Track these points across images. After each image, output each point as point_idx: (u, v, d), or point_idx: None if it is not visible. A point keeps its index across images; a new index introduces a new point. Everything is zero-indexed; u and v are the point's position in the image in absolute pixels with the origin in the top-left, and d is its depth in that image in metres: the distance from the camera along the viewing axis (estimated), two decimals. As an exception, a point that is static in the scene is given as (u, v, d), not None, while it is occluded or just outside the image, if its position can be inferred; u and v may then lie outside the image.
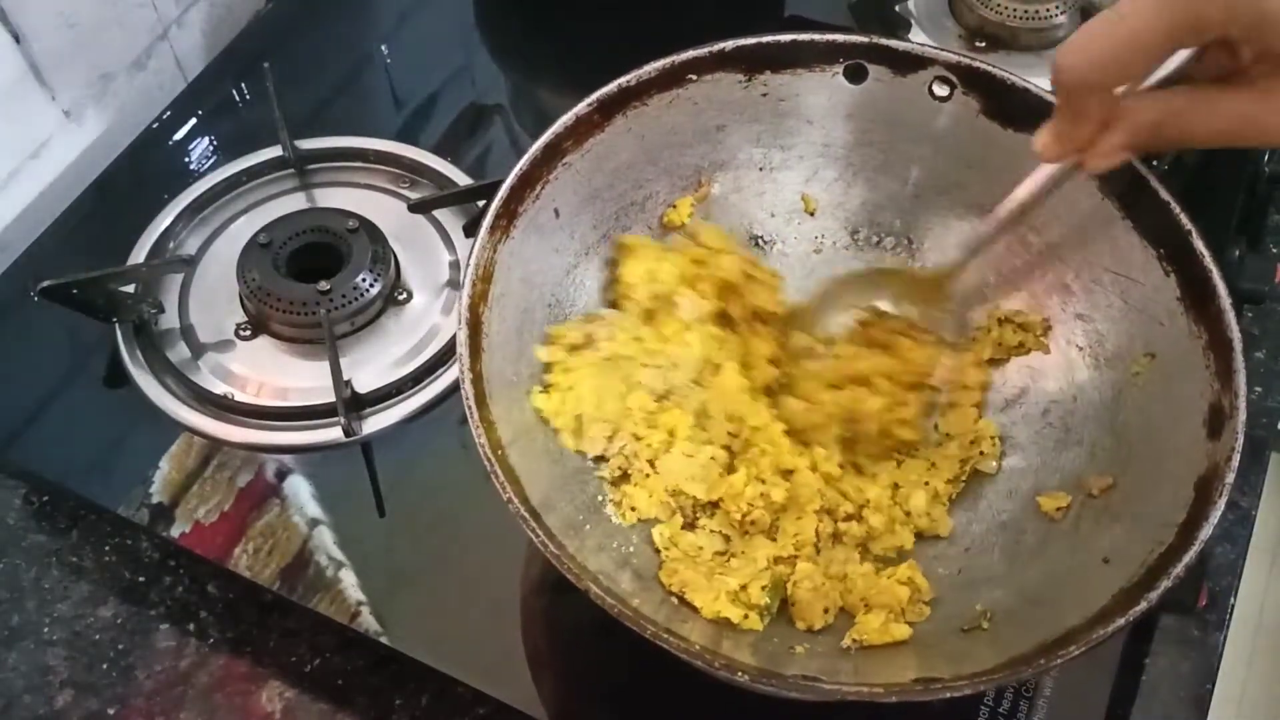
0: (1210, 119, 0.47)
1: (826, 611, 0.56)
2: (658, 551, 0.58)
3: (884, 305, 0.62)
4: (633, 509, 0.59)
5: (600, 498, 0.60)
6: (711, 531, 0.60)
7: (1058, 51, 0.47)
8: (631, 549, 0.58)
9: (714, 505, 0.60)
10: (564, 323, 0.62)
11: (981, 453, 0.62)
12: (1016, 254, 0.64)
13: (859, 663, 0.54)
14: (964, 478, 0.62)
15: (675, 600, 0.56)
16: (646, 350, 0.62)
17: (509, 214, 0.59)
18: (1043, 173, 0.54)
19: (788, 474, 0.60)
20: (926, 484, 0.61)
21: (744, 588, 0.56)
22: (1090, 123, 0.49)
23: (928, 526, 0.60)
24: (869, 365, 0.61)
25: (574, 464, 0.60)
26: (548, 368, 0.61)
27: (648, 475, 0.60)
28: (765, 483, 0.59)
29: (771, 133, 0.66)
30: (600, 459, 0.60)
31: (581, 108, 0.61)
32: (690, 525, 0.60)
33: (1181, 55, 0.48)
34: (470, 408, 0.52)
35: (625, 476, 0.60)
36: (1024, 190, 0.55)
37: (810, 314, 0.64)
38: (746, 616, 0.55)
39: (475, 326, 0.55)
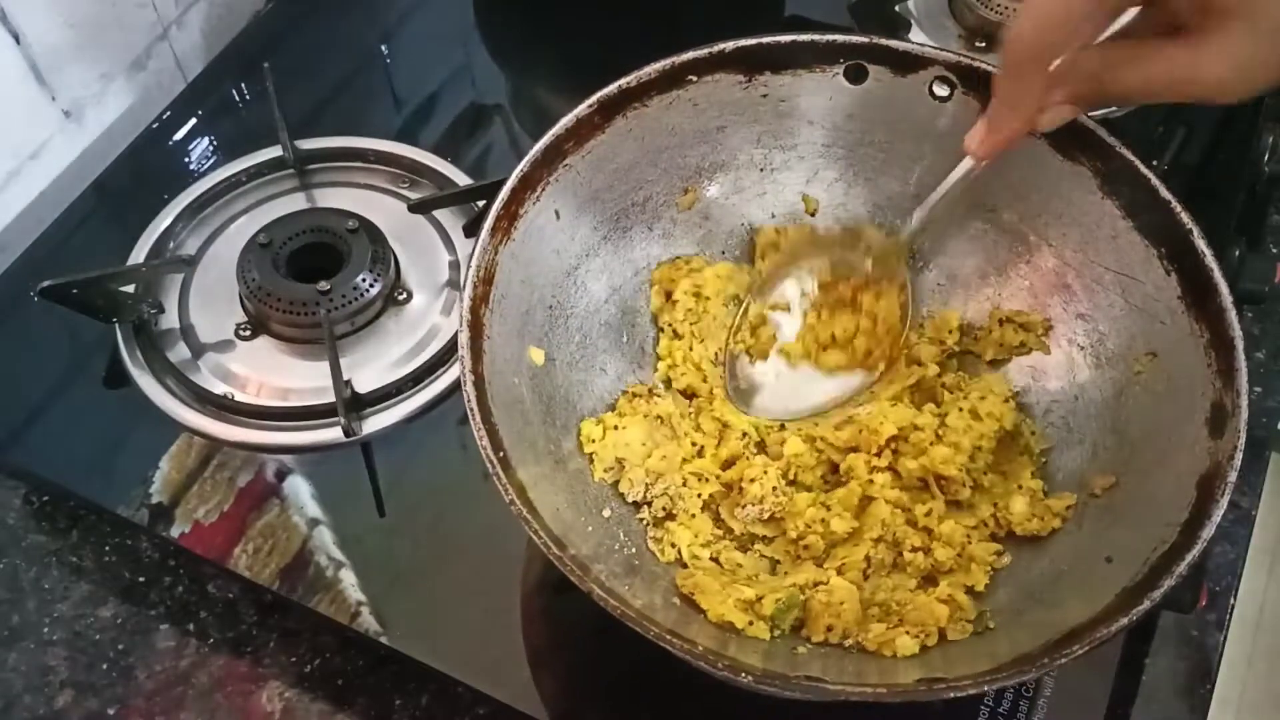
0: (1146, 69, 0.48)
1: (830, 630, 0.55)
2: (678, 559, 0.59)
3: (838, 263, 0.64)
4: (673, 545, 0.59)
5: (602, 498, 0.59)
6: (761, 556, 0.60)
7: (1008, 28, 0.49)
8: (633, 550, 0.58)
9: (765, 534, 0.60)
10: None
11: (1032, 433, 0.62)
12: (1018, 254, 0.64)
13: (862, 663, 0.54)
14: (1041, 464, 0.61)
15: (679, 601, 0.55)
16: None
17: (510, 216, 0.59)
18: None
19: (864, 503, 0.60)
20: (1020, 487, 0.59)
21: (760, 599, 0.55)
22: (1034, 92, 0.51)
23: (1039, 528, 0.58)
24: (839, 326, 0.63)
25: (576, 465, 0.60)
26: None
27: (694, 516, 0.60)
28: (830, 509, 0.59)
29: (772, 133, 0.66)
30: (640, 505, 0.60)
31: (582, 109, 0.61)
32: (743, 548, 0.60)
33: (1128, 15, 0.49)
34: (472, 410, 0.52)
35: (670, 516, 0.60)
36: (959, 172, 0.57)
37: (765, 283, 0.66)
38: (752, 624, 0.55)
39: (477, 329, 0.55)
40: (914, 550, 0.58)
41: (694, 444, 0.62)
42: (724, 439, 0.63)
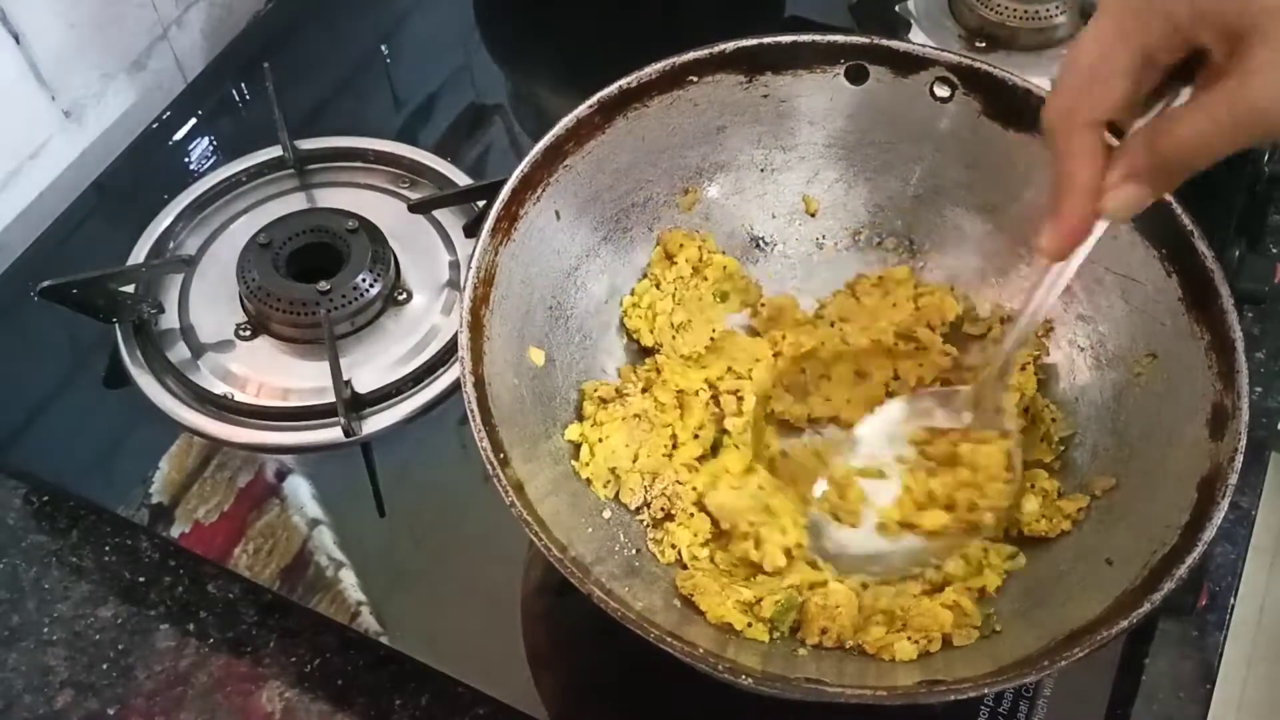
0: (1198, 119, 0.44)
1: (825, 633, 0.55)
2: (678, 559, 0.59)
3: (933, 421, 0.58)
4: (673, 546, 0.59)
5: (602, 500, 0.60)
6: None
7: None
8: (634, 551, 0.58)
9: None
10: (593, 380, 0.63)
11: (1053, 419, 0.62)
12: (1018, 255, 0.64)
13: (863, 665, 0.54)
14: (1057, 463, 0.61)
15: (679, 603, 0.55)
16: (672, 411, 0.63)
17: (510, 216, 0.59)
18: (1064, 270, 0.50)
19: None
20: (1033, 486, 0.59)
21: (759, 601, 0.55)
22: (1086, 162, 0.46)
23: (1047, 529, 0.58)
24: (939, 485, 0.57)
25: (575, 464, 0.60)
26: (580, 417, 0.61)
27: (692, 515, 0.59)
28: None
29: (772, 134, 0.66)
30: (640, 508, 0.60)
31: (582, 110, 0.61)
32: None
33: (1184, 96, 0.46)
34: (472, 411, 0.52)
35: (669, 517, 0.60)
36: (1054, 276, 0.51)
37: (848, 445, 0.60)
38: (751, 625, 0.55)
39: (477, 329, 0.55)
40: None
41: (671, 433, 0.62)
42: (685, 407, 0.62)
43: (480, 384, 0.53)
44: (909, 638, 0.54)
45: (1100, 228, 0.47)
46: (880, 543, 0.57)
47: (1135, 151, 0.46)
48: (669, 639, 0.47)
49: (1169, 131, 0.44)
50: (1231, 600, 0.64)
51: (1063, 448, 0.61)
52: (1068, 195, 0.47)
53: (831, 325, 0.66)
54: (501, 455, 0.52)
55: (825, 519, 0.58)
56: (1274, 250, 0.79)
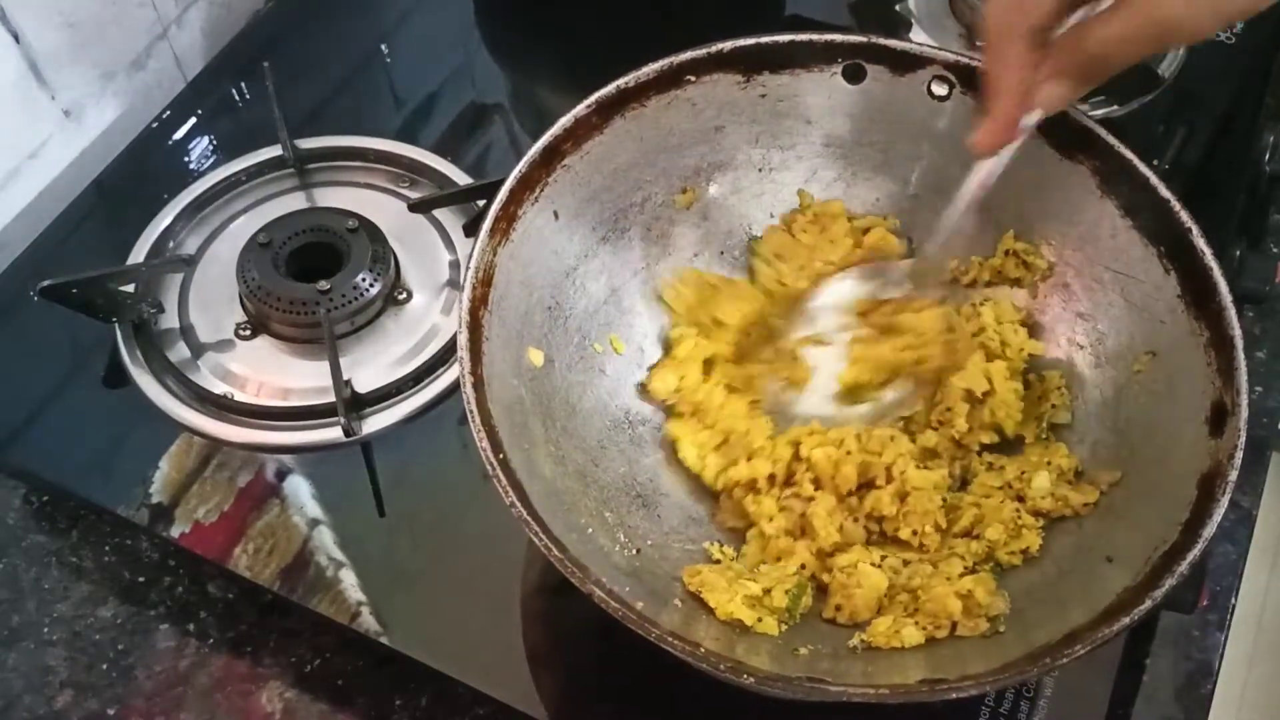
0: (1116, 23, 0.48)
1: (839, 609, 0.56)
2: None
3: (876, 293, 0.63)
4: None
5: (603, 500, 0.59)
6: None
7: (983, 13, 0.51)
8: (634, 551, 0.58)
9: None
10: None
11: (1053, 405, 0.62)
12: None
13: (864, 664, 0.54)
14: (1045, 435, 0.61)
15: (679, 602, 0.55)
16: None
17: (508, 217, 0.59)
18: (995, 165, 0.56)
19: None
20: (1049, 463, 0.59)
21: (767, 592, 0.55)
22: (1019, 70, 0.52)
23: (1053, 507, 0.58)
24: (886, 349, 0.62)
25: (576, 464, 0.60)
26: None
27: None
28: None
29: (770, 133, 0.66)
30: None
31: (580, 109, 0.61)
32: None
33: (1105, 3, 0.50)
34: (472, 412, 0.52)
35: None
36: (984, 172, 0.56)
37: (793, 317, 0.65)
38: (761, 620, 0.55)
39: (476, 330, 0.55)
40: (964, 535, 0.58)
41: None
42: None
43: (479, 384, 0.53)
44: (916, 623, 0.54)
45: (1030, 122, 0.54)
46: (841, 409, 0.63)
47: (1061, 53, 0.51)
48: (670, 638, 0.47)
49: (1091, 34, 0.50)
50: (1232, 600, 0.64)
51: (1046, 435, 0.61)
52: (1000, 97, 0.53)
53: (768, 264, 0.66)
54: (501, 455, 0.52)
55: (784, 397, 0.63)
56: (1275, 250, 0.78)
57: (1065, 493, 0.57)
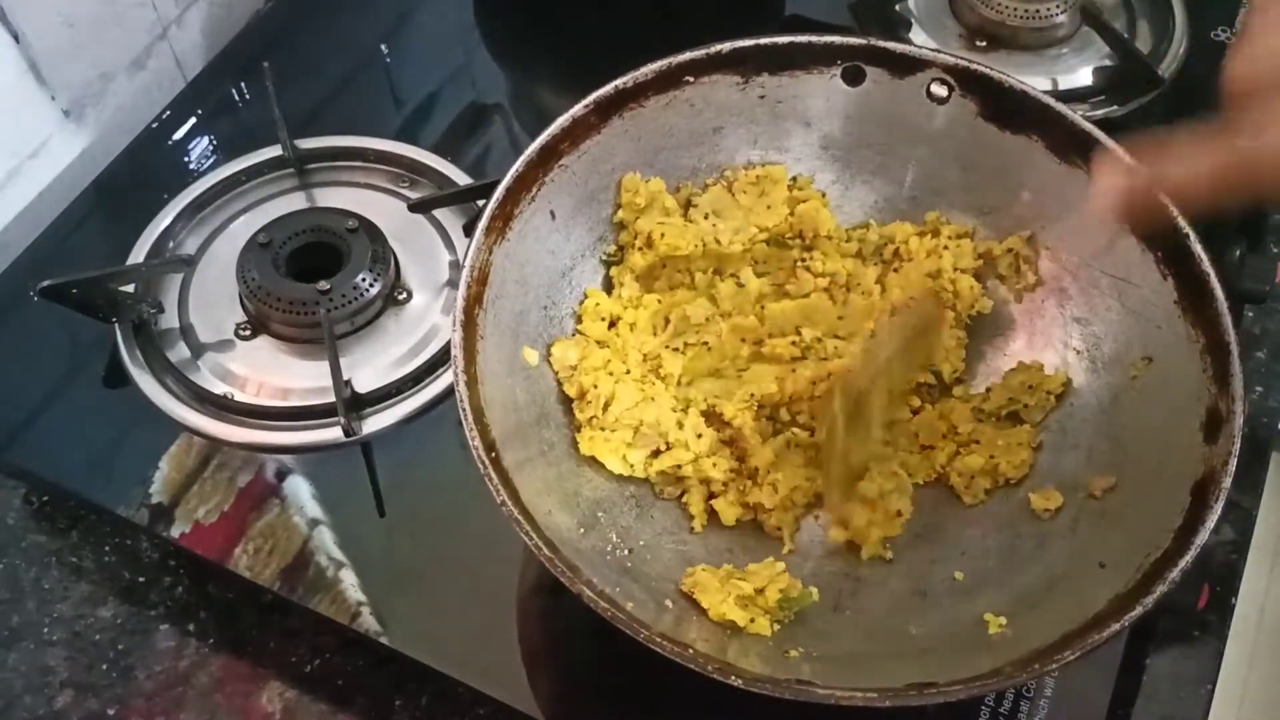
0: None
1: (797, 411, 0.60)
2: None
3: None
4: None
5: (596, 500, 0.60)
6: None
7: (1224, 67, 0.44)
8: (627, 551, 0.58)
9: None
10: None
11: (1026, 406, 0.63)
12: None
13: (856, 667, 0.54)
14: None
15: (671, 602, 0.56)
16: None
17: (504, 216, 0.59)
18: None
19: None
20: (991, 458, 0.61)
21: (760, 591, 0.56)
22: (1247, 135, 0.42)
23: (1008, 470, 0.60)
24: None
25: (569, 465, 0.60)
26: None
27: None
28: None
29: (768, 135, 0.66)
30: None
31: (578, 109, 0.61)
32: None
33: None
34: (464, 410, 0.52)
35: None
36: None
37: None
38: (754, 621, 0.55)
39: (470, 329, 0.55)
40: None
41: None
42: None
43: (473, 383, 0.54)
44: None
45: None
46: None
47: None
48: (659, 639, 0.47)
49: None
50: (1232, 600, 0.64)
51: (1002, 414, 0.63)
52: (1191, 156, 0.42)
53: (706, 218, 0.66)
54: (494, 454, 0.52)
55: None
56: (1274, 250, 0.78)
57: (983, 485, 0.60)
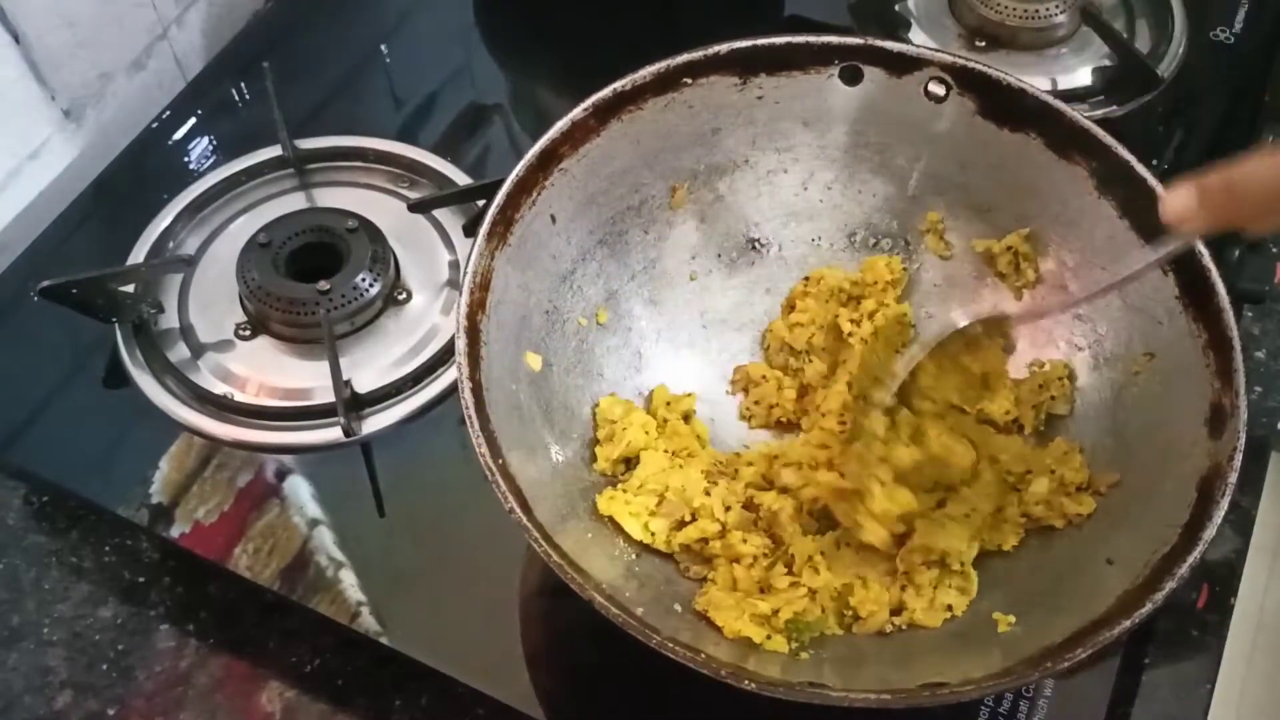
0: None
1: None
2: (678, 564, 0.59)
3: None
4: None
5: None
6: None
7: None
8: (633, 556, 0.58)
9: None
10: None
11: (1052, 396, 0.62)
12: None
13: (865, 668, 0.54)
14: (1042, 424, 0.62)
15: (680, 608, 0.55)
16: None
17: (505, 221, 0.59)
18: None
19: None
20: (1053, 472, 0.59)
21: (776, 612, 0.55)
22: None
23: (1044, 515, 0.58)
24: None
25: (575, 471, 0.60)
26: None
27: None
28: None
29: (767, 135, 0.66)
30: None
31: (577, 113, 0.61)
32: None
33: None
34: (470, 417, 0.52)
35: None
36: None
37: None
38: (770, 637, 0.54)
39: (474, 335, 0.55)
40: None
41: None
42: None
43: (478, 390, 0.54)
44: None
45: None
46: None
47: None
48: (671, 644, 0.47)
49: None
50: (1232, 600, 0.64)
51: (1042, 426, 0.62)
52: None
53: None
54: (500, 460, 0.52)
55: None
56: (1274, 250, 0.78)
57: (1061, 502, 0.58)
